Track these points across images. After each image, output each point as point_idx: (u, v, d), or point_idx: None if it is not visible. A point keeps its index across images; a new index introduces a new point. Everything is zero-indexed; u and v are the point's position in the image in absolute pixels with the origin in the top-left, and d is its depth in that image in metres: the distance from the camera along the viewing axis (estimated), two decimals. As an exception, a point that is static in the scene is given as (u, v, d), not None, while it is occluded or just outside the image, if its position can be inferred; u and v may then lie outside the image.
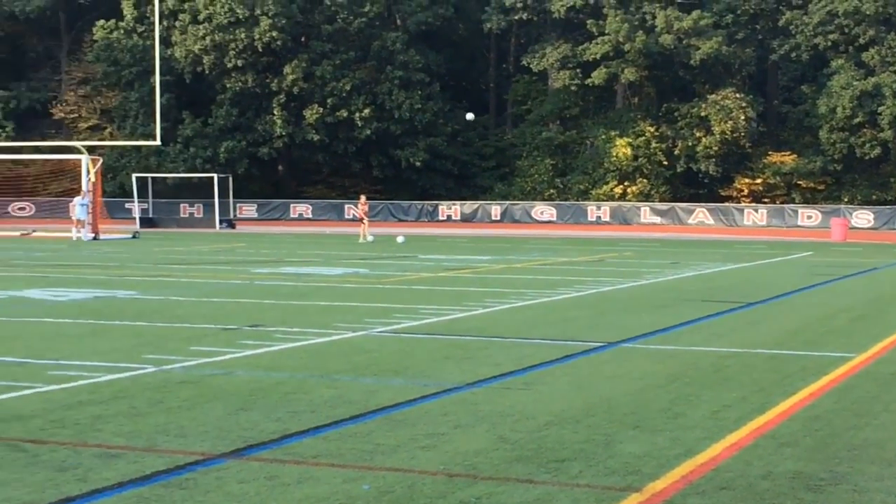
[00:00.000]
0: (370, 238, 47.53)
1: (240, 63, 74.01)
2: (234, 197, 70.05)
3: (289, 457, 8.97)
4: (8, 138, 76.00)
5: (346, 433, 9.81)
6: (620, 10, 71.98)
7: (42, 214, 71.17)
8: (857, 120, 68.47)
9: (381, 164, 76.32)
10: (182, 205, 72.19)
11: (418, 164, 75.01)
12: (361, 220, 49.82)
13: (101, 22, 78.34)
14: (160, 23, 60.81)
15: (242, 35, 73.11)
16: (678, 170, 73.19)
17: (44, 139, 74.15)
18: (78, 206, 49.73)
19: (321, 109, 73.77)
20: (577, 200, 72.12)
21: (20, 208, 73.94)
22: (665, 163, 73.21)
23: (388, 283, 26.42)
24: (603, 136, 73.70)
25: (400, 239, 46.89)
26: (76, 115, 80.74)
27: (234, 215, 69.56)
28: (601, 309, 20.76)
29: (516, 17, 76.06)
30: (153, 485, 8.04)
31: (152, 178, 70.30)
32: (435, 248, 43.10)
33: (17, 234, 53.52)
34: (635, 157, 72.77)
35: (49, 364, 13.33)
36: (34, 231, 54.86)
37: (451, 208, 72.20)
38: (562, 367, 13.71)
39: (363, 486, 8.04)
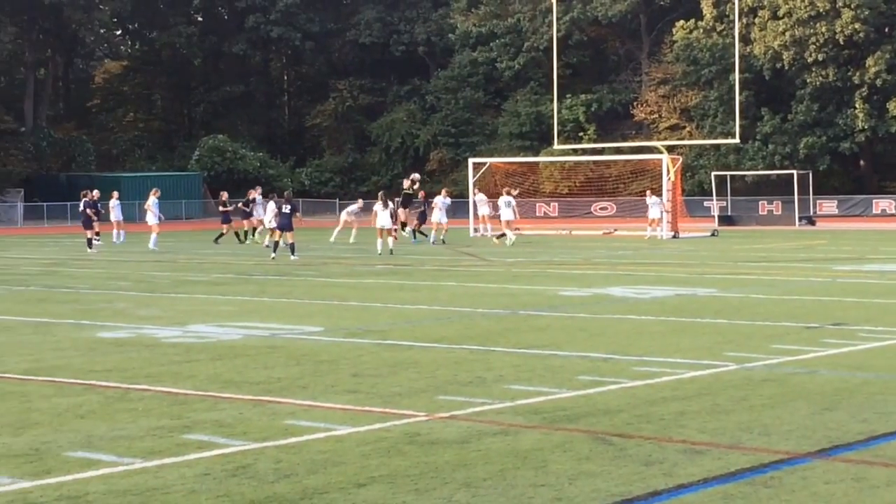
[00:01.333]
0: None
1: (820, 57, 72.59)
2: (814, 193, 68.63)
3: (877, 459, 8.66)
4: (590, 140, 78.80)
5: (939, 439, 9.32)
6: None
7: (623, 213, 73.08)
8: None
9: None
10: (761, 202, 71.71)
11: None
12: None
13: (681, 22, 79.40)
14: (739, 20, 60.70)
15: (823, 28, 71.70)
16: None
17: (624, 140, 76.20)
18: (651, 206, 50.50)
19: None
20: None
21: (602, 208, 76.32)
22: None
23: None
24: None
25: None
26: (656, 115, 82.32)
27: (814, 212, 68.15)
28: None
29: None
30: (738, 482, 8.01)
31: (731, 175, 70.31)
32: None
33: (600, 232, 55.26)
34: None
35: (633, 360, 13.63)
36: (615, 230, 56.41)
37: None
38: None
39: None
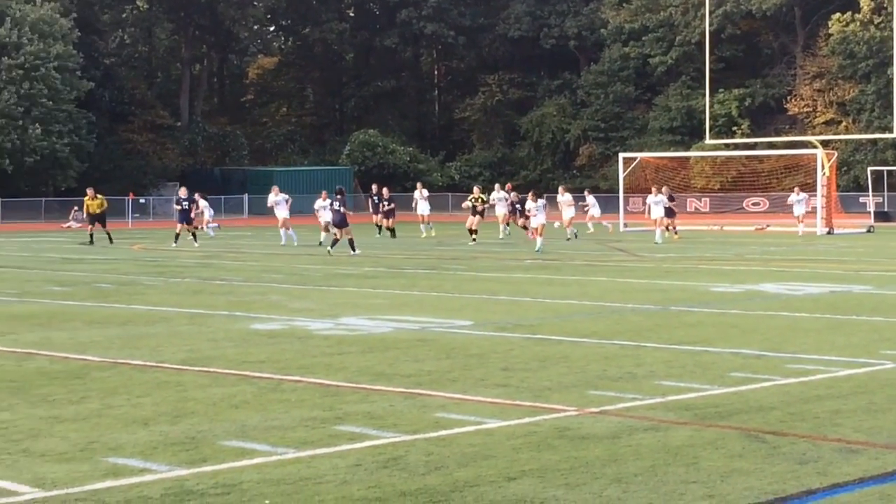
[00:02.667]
0: None
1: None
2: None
3: None
4: (743, 135, 77.67)
5: None
6: None
7: (775, 209, 71.87)
8: None
9: None
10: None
11: None
12: None
13: (837, 15, 77.84)
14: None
15: None
16: None
17: (778, 135, 74.93)
18: (797, 203, 49.61)
19: None
20: None
21: (754, 203, 75.19)
22: None
23: None
24: None
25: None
26: (810, 109, 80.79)
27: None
28: None
29: None
30: (895, 482, 7.83)
31: (888, 171, 68.67)
32: None
33: (752, 228, 54.47)
34: None
35: (786, 357, 13.41)
36: (768, 226, 55.55)
37: None
38: None
39: None
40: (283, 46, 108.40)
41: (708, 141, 62.49)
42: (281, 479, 8.00)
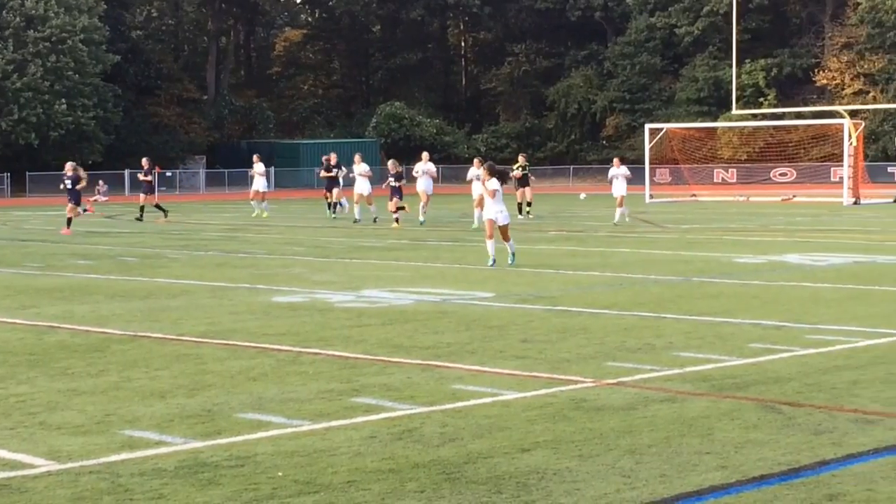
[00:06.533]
0: None
1: None
2: None
3: None
4: (770, 105, 77.24)
5: None
6: None
7: (802, 179, 71.53)
8: None
9: None
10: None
11: None
12: None
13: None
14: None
15: None
16: None
17: (805, 105, 74.48)
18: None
19: None
20: None
21: (781, 174, 74.83)
22: None
23: None
24: None
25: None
26: (838, 80, 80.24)
27: None
28: None
29: None
30: (910, 454, 7.81)
31: (916, 140, 68.23)
32: None
33: (779, 199, 54.23)
34: None
35: (806, 328, 13.36)
36: (794, 196, 55.29)
37: None
38: None
39: None
40: (309, 19, 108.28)
41: (735, 111, 62.20)
42: (295, 451, 8.02)
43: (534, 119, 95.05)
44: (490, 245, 21.50)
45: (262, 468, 7.61)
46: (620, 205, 35.13)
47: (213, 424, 8.84)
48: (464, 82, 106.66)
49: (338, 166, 39.98)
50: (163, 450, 8.10)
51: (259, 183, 43.80)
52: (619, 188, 35.28)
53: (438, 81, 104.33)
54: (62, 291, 18.23)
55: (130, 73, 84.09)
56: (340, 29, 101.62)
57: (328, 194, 41.04)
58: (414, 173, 37.37)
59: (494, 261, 21.15)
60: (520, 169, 38.26)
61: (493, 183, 21.35)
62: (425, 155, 38.34)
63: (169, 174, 75.90)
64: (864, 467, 7.48)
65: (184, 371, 11.07)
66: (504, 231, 21.47)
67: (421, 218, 35.93)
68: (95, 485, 7.27)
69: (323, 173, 40.70)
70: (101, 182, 58.29)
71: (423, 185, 36.51)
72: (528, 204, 38.91)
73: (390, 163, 36.53)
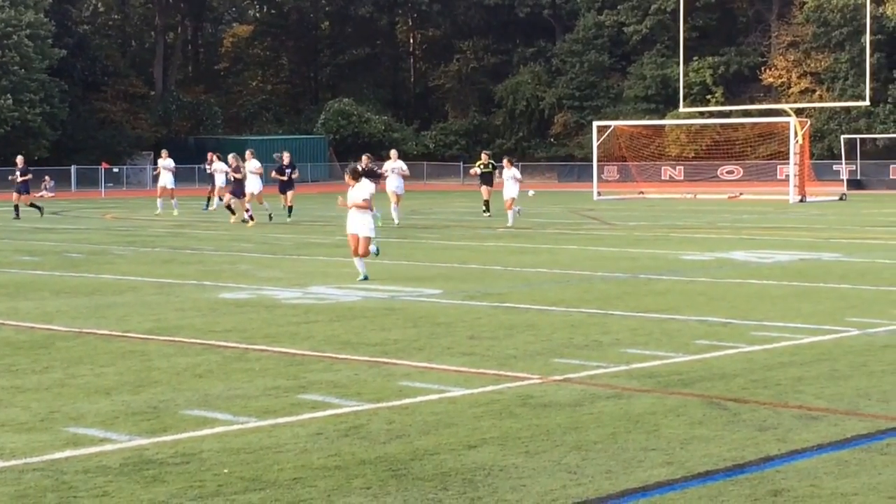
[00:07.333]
0: None
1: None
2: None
3: None
4: (717, 103, 77.71)
5: None
6: None
7: (749, 177, 72.01)
8: None
9: None
10: (892, 166, 70.12)
11: None
12: None
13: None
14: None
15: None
16: None
17: (752, 103, 74.99)
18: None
19: None
20: None
21: (728, 172, 75.29)
22: None
23: None
24: None
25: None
26: (785, 78, 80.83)
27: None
28: None
29: None
30: (853, 448, 7.87)
31: (860, 139, 68.86)
32: None
33: (726, 196, 54.60)
34: None
35: (752, 325, 13.45)
36: (741, 194, 55.68)
37: None
38: None
39: None
40: (257, 14, 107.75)
41: (682, 109, 62.57)
42: (241, 448, 7.99)
43: (482, 116, 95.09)
44: (358, 262, 18.88)
45: (208, 465, 7.57)
46: (510, 207, 33.22)
47: (158, 421, 8.79)
48: (412, 79, 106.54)
49: (291, 167, 37.52)
50: (108, 447, 8.05)
51: (166, 178, 42.02)
52: (511, 190, 33.37)
53: (387, 78, 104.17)
54: (6, 288, 18.07)
55: (77, 69, 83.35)
56: (289, 25, 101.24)
57: (283, 197, 37.24)
58: (384, 172, 35.31)
59: (366, 277, 18.73)
60: (481, 167, 37.16)
61: (366, 187, 18.83)
62: (394, 153, 36.72)
63: (116, 170, 75.27)
64: (809, 463, 7.55)
65: (129, 368, 10.99)
66: (365, 244, 18.83)
67: (395, 220, 34.02)
68: (39, 482, 7.21)
69: (274, 174, 38.03)
70: (46, 178, 57.78)
71: (394, 184, 34.92)
72: (486, 202, 37.40)
73: (364, 157, 34.64)
